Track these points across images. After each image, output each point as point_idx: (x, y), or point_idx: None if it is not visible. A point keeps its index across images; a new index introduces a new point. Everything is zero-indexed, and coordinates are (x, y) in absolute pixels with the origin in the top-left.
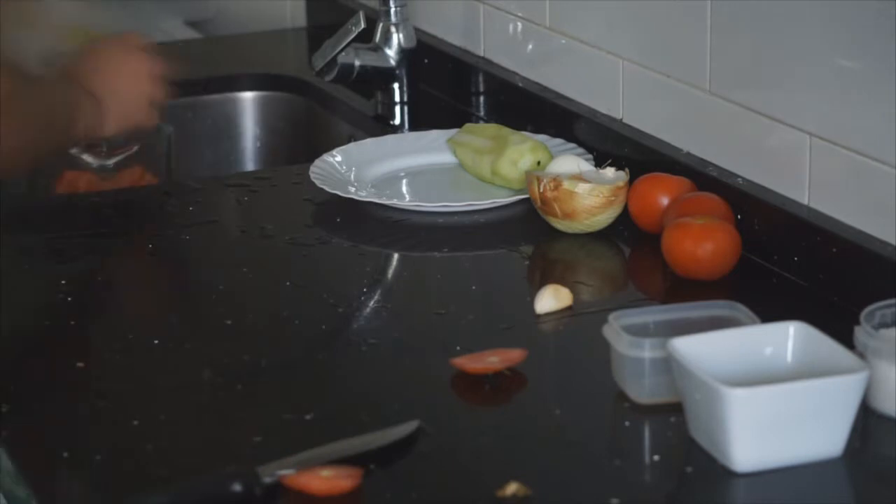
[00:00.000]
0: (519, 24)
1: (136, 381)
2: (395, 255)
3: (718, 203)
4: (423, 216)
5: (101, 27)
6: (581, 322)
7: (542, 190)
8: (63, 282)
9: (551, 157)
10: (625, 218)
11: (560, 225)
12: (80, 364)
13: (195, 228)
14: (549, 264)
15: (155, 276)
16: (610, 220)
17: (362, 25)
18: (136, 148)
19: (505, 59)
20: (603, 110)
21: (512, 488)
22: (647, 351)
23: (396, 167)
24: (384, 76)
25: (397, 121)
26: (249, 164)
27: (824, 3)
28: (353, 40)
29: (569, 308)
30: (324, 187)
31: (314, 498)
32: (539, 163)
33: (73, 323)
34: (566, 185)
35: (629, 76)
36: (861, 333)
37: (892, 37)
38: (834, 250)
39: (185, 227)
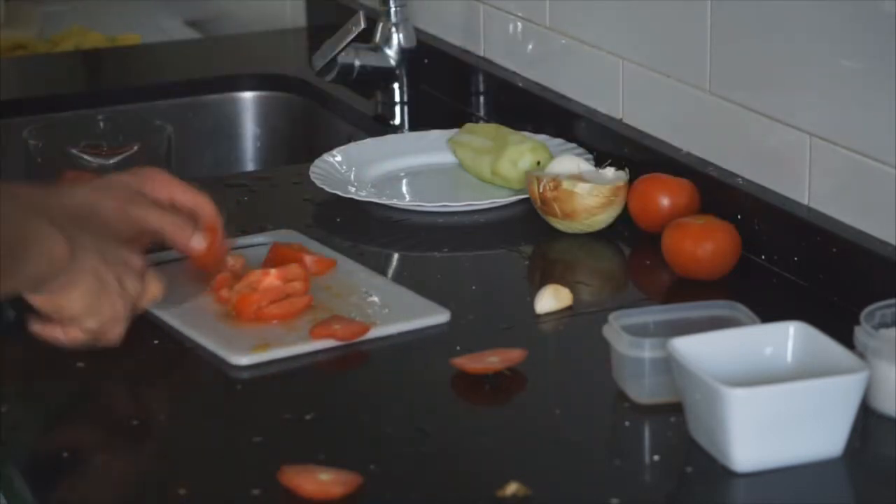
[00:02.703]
0: (519, 24)
1: (136, 381)
2: (395, 255)
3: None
4: (423, 216)
5: (101, 27)
6: (581, 322)
7: (541, 190)
8: None
9: (551, 157)
10: (625, 218)
11: (560, 225)
12: (80, 364)
13: None
14: (549, 264)
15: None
16: (610, 220)
17: (362, 25)
18: (136, 148)
19: (505, 59)
20: (603, 110)
21: (512, 488)
22: (647, 351)
23: (396, 167)
24: (384, 76)
25: (397, 121)
26: (249, 164)
27: (824, 4)
28: (353, 40)
29: (569, 308)
30: (324, 187)
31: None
32: (539, 163)
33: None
34: (566, 185)
35: (629, 76)
36: (861, 333)
37: (892, 37)
38: (834, 250)
39: None
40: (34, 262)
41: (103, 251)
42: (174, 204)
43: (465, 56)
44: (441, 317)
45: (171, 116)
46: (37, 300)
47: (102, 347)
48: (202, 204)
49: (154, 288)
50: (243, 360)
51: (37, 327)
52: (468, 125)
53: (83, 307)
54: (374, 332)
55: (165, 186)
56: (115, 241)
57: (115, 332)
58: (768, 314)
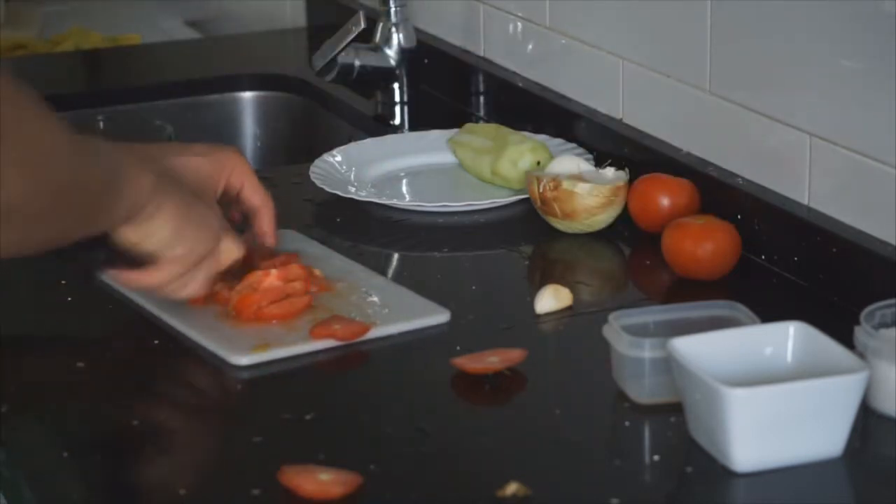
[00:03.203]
0: (519, 24)
1: (136, 382)
2: (395, 255)
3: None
4: (423, 216)
5: (101, 27)
6: (581, 322)
7: (541, 190)
8: (63, 282)
9: (551, 157)
10: (625, 218)
11: (560, 225)
12: (80, 364)
13: None
14: (549, 264)
15: None
16: (610, 220)
17: (362, 25)
18: None
19: (505, 59)
20: (603, 110)
21: (512, 488)
22: (647, 351)
23: (396, 167)
24: (384, 76)
25: (397, 121)
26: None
27: (824, 4)
28: (353, 40)
29: (569, 308)
30: (324, 187)
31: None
32: (539, 163)
33: (73, 323)
34: (566, 185)
35: (629, 76)
36: (861, 333)
37: (892, 37)
38: (834, 250)
39: None
40: (125, 194)
41: (187, 190)
42: (240, 195)
43: (465, 56)
44: (441, 317)
45: (171, 116)
46: (125, 232)
47: (177, 300)
48: (266, 206)
49: (235, 249)
50: (243, 359)
51: (115, 275)
52: (468, 125)
53: (167, 235)
54: (375, 333)
55: (240, 175)
56: (198, 189)
57: (196, 282)
58: (768, 314)
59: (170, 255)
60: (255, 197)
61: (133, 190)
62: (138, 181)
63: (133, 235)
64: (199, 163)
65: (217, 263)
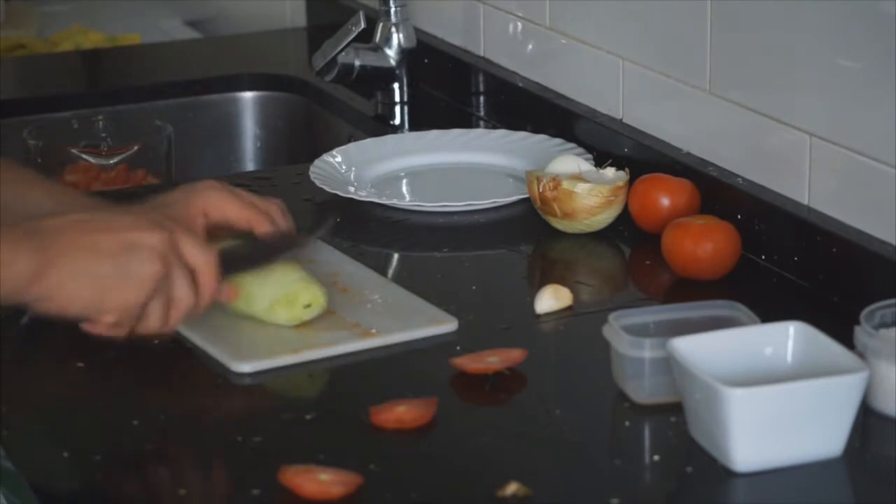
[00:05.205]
0: (519, 24)
1: (136, 382)
2: (395, 255)
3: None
4: (423, 216)
5: (101, 27)
6: (581, 322)
7: (541, 190)
8: None
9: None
10: (625, 218)
11: (560, 225)
12: (80, 364)
13: None
14: (549, 264)
15: None
16: (610, 220)
17: (362, 25)
18: (136, 148)
19: (505, 59)
20: (603, 110)
21: (512, 488)
22: (647, 351)
23: (396, 167)
24: (384, 76)
25: (397, 121)
26: (249, 164)
27: (824, 3)
28: (353, 40)
29: (569, 308)
30: (324, 187)
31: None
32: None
33: (73, 324)
34: (566, 184)
35: (629, 76)
36: (861, 333)
37: (892, 37)
38: (834, 250)
39: None
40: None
41: (106, 246)
42: (230, 224)
43: (465, 56)
44: (449, 325)
45: (171, 116)
46: (38, 306)
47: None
48: (257, 222)
49: (200, 256)
50: (245, 367)
51: (86, 326)
52: None
53: (83, 306)
54: (380, 341)
55: (219, 207)
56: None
57: (151, 321)
58: (768, 314)
59: (103, 320)
60: (242, 217)
61: (8, 272)
62: (10, 262)
63: (48, 308)
64: (170, 208)
65: (174, 293)
